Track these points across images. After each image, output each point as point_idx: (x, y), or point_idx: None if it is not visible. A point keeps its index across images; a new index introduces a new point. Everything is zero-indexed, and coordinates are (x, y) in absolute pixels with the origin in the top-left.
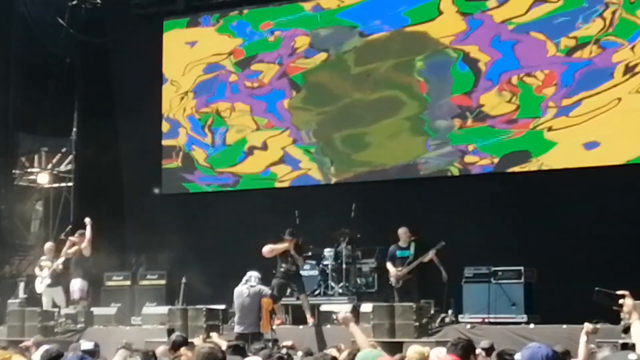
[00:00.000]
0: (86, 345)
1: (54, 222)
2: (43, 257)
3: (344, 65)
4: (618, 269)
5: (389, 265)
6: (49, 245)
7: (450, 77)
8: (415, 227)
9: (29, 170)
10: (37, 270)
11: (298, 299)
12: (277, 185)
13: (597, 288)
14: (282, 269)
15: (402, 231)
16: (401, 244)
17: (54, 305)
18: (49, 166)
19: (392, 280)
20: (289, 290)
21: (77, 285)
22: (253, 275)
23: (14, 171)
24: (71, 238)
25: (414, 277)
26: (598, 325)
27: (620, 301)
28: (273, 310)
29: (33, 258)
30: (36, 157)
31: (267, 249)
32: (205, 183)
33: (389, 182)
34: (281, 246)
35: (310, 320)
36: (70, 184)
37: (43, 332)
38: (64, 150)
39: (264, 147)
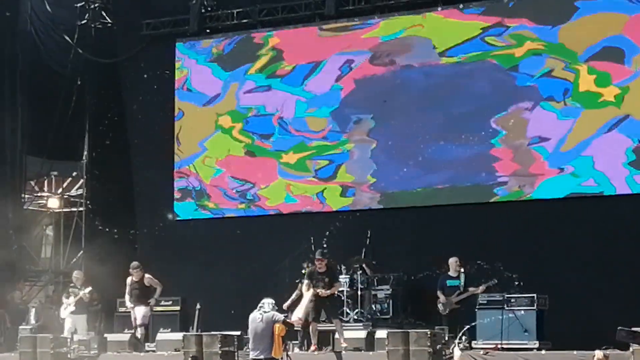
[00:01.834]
0: None
1: (64, 247)
2: (71, 285)
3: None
4: (630, 297)
5: (440, 294)
6: (77, 273)
7: None
8: (464, 258)
9: (39, 194)
10: (64, 298)
11: (330, 322)
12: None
13: (619, 328)
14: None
15: (453, 261)
16: (451, 273)
17: (75, 332)
18: (59, 190)
19: (441, 307)
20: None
21: (141, 312)
22: (267, 302)
23: (23, 195)
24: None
25: (462, 308)
26: (608, 352)
27: None
28: (285, 336)
29: (44, 284)
30: (46, 181)
31: (296, 319)
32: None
33: (404, 209)
34: (304, 302)
35: (343, 344)
36: (81, 208)
37: (56, 359)
38: (74, 174)
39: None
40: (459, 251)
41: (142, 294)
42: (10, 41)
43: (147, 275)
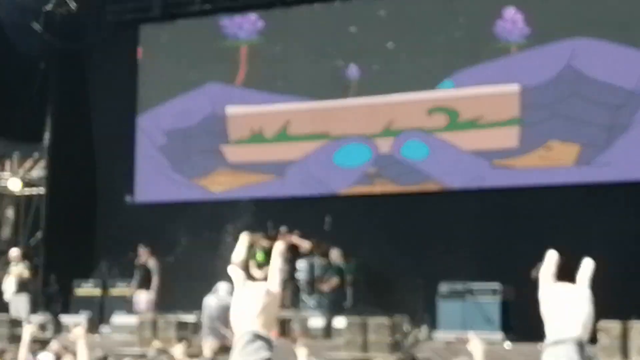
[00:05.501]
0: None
1: (24, 228)
2: (12, 264)
3: None
4: (597, 287)
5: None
6: (14, 251)
7: None
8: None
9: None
10: (5, 278)
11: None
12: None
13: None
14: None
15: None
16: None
17: (19, 313)
18: (21, 171)
19: None
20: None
21: (143, 297)
22: (221, 287)
23: None
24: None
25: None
26: None
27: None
28: None
29: (3, 264)
30: (7, 162)
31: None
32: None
33: (364, 196)
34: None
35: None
36: (42, 190)
37: (11, 340)
38: (35, 155)
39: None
40: (422, 239)
41: (146, 277)
42: None
43: (152, 259)
